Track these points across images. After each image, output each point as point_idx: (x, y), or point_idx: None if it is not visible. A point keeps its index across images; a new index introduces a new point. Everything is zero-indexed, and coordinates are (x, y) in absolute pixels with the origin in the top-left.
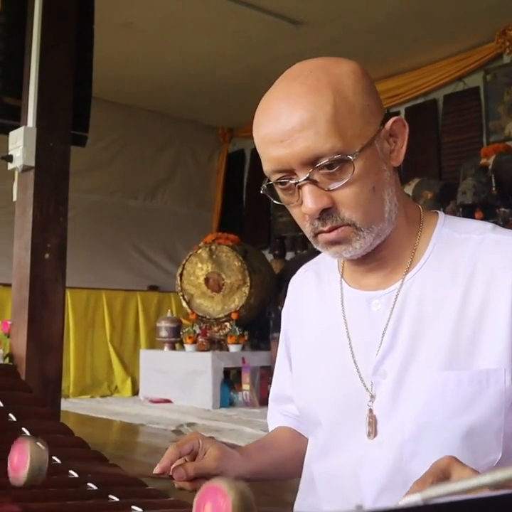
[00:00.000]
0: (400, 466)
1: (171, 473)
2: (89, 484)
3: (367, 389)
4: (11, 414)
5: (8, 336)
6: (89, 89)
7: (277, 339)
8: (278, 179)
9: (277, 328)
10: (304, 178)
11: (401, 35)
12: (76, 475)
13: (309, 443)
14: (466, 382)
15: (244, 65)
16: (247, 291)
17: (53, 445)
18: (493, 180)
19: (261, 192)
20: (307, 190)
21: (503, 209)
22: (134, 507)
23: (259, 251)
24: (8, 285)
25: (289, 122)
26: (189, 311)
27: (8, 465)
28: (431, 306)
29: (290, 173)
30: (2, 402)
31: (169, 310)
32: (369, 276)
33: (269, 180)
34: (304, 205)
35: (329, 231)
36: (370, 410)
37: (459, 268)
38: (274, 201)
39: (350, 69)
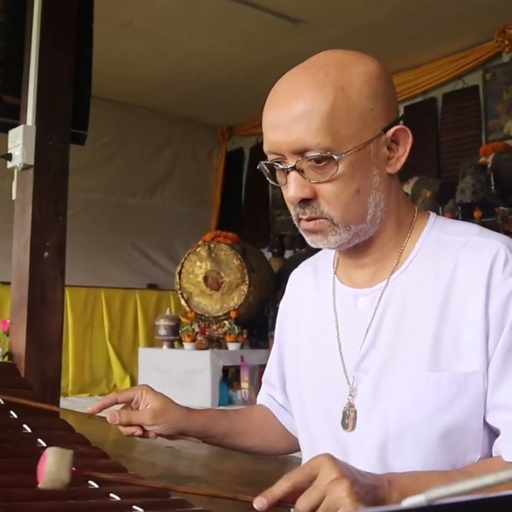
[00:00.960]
0: (382, 464)
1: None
2: (91, 483)
3: (349, 383)
4: (12, 412)
5: (8, 335)
6: (89, 87)
7: None
8: (272, 160)
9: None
10: (291, 165)
11: (401, 34)
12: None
13: (300, 440)
14: (446, 385)
15: (244, 64)
16: (245, 290)
17: (54, 442)
18: (492, 178)
19: (258, 168)
20: (292, 178)
21: (501, 208)
22: (135, 507)
23: (258, 249)
24: (8, 283)
25: (287, 110)
26: (188, 309)
27: None
28: (413, 307)
29: (283, 157)
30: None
31: (168, 308)
32: (358, 273)
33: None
34: (288, 191)
35: (308, 220)
36: (350, 404)
37: (441, 270)
38: (268, 178)
39: (365, 70)
